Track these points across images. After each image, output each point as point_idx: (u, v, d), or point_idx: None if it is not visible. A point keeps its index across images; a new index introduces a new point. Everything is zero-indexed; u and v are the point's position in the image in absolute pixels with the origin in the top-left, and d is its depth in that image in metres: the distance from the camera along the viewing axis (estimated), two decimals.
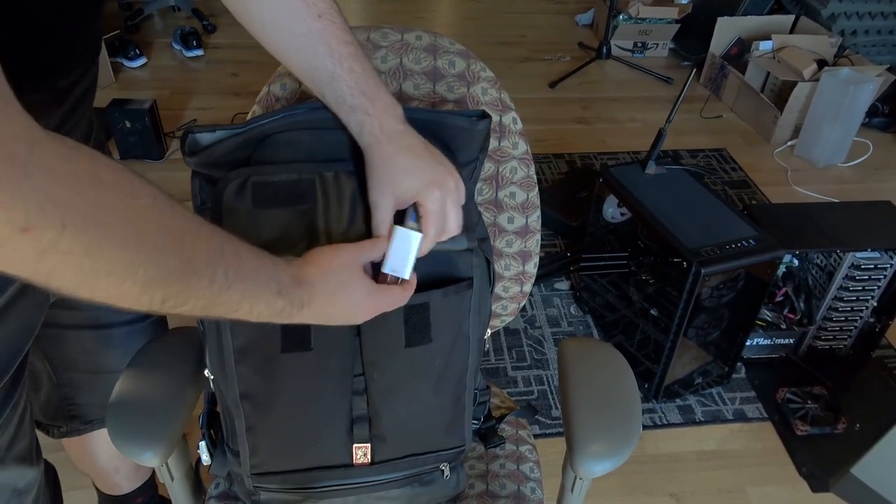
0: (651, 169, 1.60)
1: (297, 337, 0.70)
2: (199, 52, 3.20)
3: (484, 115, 0.75)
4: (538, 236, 0.91)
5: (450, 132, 0.75)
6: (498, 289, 0.93)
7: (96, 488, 1.23)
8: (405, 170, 0.66)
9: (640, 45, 3.32)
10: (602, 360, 0.82)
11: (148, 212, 0.42)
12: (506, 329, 1.82)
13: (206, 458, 0.81)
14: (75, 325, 0.90)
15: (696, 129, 2.80)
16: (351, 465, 0.76)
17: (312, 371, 0.71)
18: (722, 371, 1.66)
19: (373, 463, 0.77)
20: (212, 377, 0.75)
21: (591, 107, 2.96)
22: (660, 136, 1.57)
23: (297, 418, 0.73)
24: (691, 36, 3.26)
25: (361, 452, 0.76)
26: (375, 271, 0.67)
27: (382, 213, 0.67)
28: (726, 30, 2.98)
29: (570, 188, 2.25)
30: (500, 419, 0.99)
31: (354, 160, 0.71)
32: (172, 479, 0.85)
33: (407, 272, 0.66)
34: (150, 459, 0.73)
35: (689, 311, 1.43)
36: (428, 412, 0.76)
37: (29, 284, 0.69)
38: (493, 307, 0.95)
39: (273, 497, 0.79)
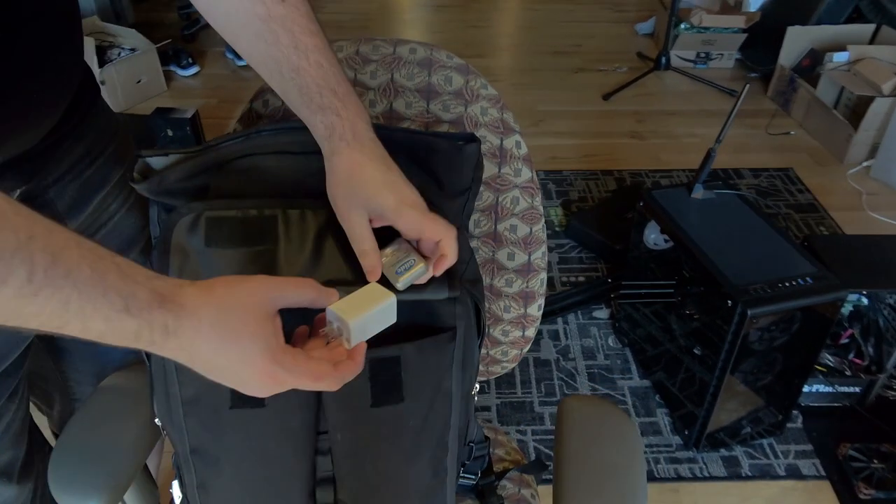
0: (698, 193, 1.46)
1: None
2: None
3: (472, 139, 0.66)
4: (543, 276, 0.80)
5: (436, 157, 0.66)
6: (497, 332, 0.82)
7: None
8: (378, 184, 0.57)
9: (702, 55, 3.13)
10: (608, 428, 0.70)
11: None
12: (536, 360, 1.70)
13: (178, 499, 0.75)
14: (77, 338, 0.86)
15: (761, 147, 2.60)
16: None
17: (267, 429, 0.64)
18: (775, 419, 1.49)
19: None
20: (161, 425, 0.68)
21: (647, 120, 2.80)
22: (708, 156, 1.42)
23: (252, 479, 0.66)
24: (759, 46, 3.04)
25: None
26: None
27: (362, 228, 0.57)
28: (798, 40, 2.77)
29: (615, 208, 2.11)
30: (502, 475, 0.88)
31: (321, 190, 0.62)
32: None
33: (351, 336, 0.51)
34: None
35: (734, 353, 1.27)
36: (402, 477, 0.67)
37: None
38: (493, 352, 0.84)
39: None
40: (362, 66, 0.77)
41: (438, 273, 0.61)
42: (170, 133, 2.33)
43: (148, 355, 0.66)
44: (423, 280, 0.60)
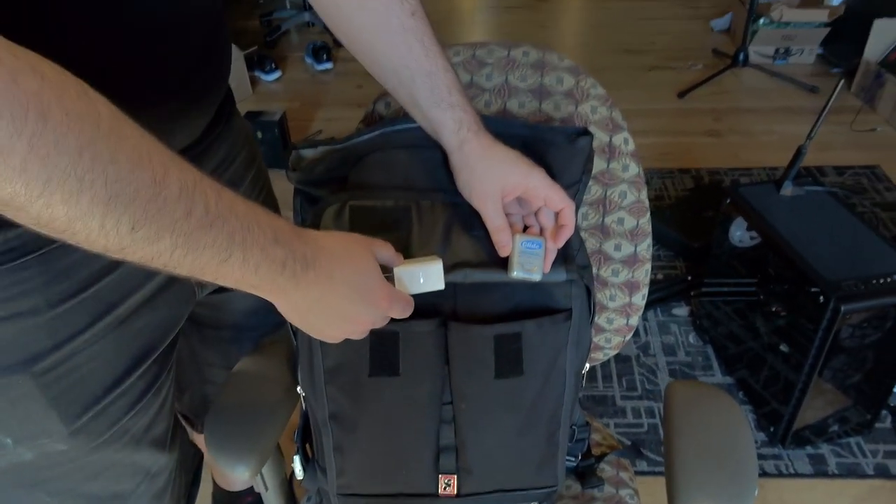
0: (787, 190, 1.46)
1: (385, 362, 0.70)
2: (329, 66, 3.34)
3: (585, 133, 0.71)
4: (648, 266, 0.84)
5: (550, 151, 0.72)
6: (601, 320, 0.87)
7: (213, 482, 1.30)
8: (509, 157, 0.65)
9: (782, 51, 3.07)
10: (714, 407, 0.74)
11: (101, 118, 0.37)
12: (616, 356, 1.72)
13: (299, 471, 0.82)
14: (220, 325, 0.95)
15: (846, 144, 2.53)
16: (436, 496, 0.74)
17: (399, 397, 0.70)
18: (863, 419, 1.48)
19: (458, 495, 0.74)
20: (303, 394, 0.75)
21: (724, 118, 2.77)
22: (799, 153, 1.42)
23: (384, 443, 0.72)
24: (843, 40, 2.96)
25: (447, 483, 0.74)
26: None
27: (496, 207, 0.66)
28: (884, 33, 2.68)
29: (694, 206, 2.11)
30: (601, 458, 0.93)
31: (448, 180, 0.70)
32: (267, 489, 0.87)
33: (395, 282, 0.64)
34: (242, 472, 0.74)
35: (825, 349, 1.28)
36: (518, 447, 0.73)
37: (176, 278, 0.70)
38: (596, 339, 0.89)
39: None
40: (478, 70, 0.83)
41: (559, 244, 0.67)
42: (259, 135, 2.46)
43: (294, 332, 0.74)
44: (539, 270, 0.67)
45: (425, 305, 0.69)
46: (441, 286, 0.64)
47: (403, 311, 0.61)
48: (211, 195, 0.43)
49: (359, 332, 0.60)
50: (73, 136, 0.35)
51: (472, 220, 0.70)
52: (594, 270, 0.84)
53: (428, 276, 0.64)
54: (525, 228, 0.70)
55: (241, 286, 0.49)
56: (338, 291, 0.54)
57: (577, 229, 0.78)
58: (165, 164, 0.41)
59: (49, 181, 0.35)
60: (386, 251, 0.61)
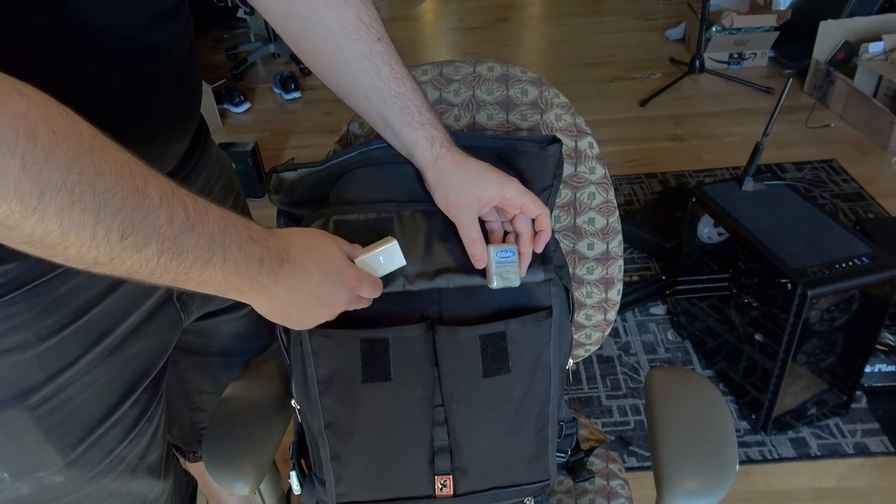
0: (748, 185, 1.52)
1: (376, 368, 0.72)
2: (297, 95, 3.38)
3: (554, 140, 0.74)
4: (620, 262, 0.88)
5: (523, 159, 0.75)
6: (580, 317, 0.90)
7: None
8: (483, 170, 0.68)
9: (736, 56, 3.18)
10: (692, 391, 0.78)
11: (83, 135, 0.40)
12: (599, 357, 1.76)
13: (296, 487, 0.84)
14: (208, 352, 0.96)
15: (802, 140, 2.63)
16: (433, 497, 0.76)
17: (393, 401, 0.72)
18: (839, 400, 1.53)
19: (455, 495, 0.76)
20: (298, 407, 0.77)
21: (685, 123, 2.86)
22: (756, 150, 1.49)
23: (380, 448, 0.74)
24: (793, 42, 3.08)
25: (443, 484, 0.76)
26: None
27: (471, 219, 0.68)
28: (831, 33, 2.81)
29: (663, 208, 2.17)
30: (589, 452, 0.95)
31: (424, 192, 0.73)
32: None
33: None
34: (242, 489, 0.76)
35: (796, 335, 1.33)
36: (509, 444, 0.75)
37: (162, 305, 0.73)
38: (577, 336, 0.92)
39: None
40: (446, 86, 0.87)
41: (539, 249, 0.70)
42: (233, 166, 2.47)
43: (287, 348, 0.76)
44: (517, 276, 0.70)
45: (413, 312, 0.72)
46: (402, 263, 0.68)
47: (373, 288, 0.65)
48: (188, 201, 0.47)
49: (335, 313, 0.64)
50: (62, 151, 0.38)
51: (451, 229, 0.73)
52: (570, 270, 0.88)
53: (388, 256, 0.67)
54: (504, 234, 0.73)
55: (223, 289, 0.52)
56: (312, 278, 0.59)
57: (553, 232, 0.82)
58: (144, 175, 0.44)
59: (42, 195, 0.37)
60: (343, 244, 0.65)
